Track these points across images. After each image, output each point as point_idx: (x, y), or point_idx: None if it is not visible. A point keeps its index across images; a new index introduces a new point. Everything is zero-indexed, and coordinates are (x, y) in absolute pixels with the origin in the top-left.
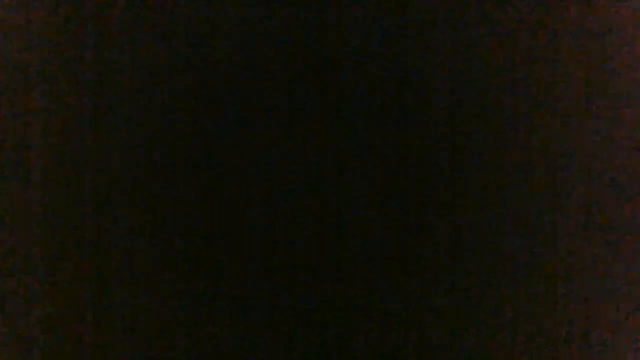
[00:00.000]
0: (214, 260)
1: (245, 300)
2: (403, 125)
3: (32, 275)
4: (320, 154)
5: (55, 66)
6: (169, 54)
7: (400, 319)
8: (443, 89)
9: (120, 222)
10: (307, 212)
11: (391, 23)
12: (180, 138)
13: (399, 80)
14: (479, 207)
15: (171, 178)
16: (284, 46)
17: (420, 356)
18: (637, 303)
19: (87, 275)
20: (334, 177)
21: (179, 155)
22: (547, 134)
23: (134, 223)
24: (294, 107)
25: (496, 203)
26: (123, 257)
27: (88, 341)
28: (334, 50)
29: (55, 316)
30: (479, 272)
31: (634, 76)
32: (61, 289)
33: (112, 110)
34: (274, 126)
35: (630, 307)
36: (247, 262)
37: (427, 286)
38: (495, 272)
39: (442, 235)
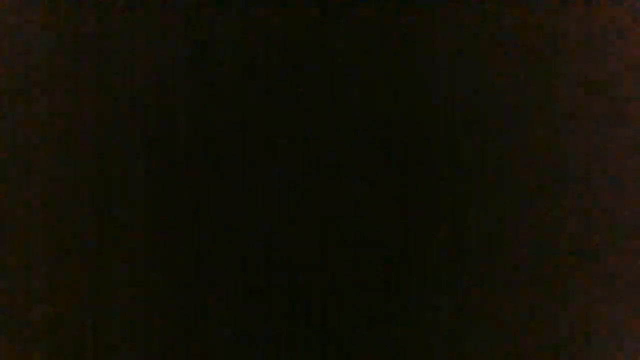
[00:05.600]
0: (214, 260)
1: (245, 300)
2: (403, 126)
3: (32, 275)
4: (320, 154)
5: (55, 66)
6: (169, 54)
7: (400, 319)
8: (443, 89)
9: (120, 222)
10: (307, 212)
11: (391, 23)
12: (180, 138)
13: (399, 80)
14: (479, 207)
15: (171, 178)
16: (284, 47)
17: (420, 356)
18: (637, 303)
19: (87, 275)
20: (334, 177)
21: (179, 155)
22: (547, 133)
23: (134, 223)
24: (294, 107)
25: (496, 203)
26: (123, 257)
27: (88, 341)
28: (333, 50)
29: (55, 316)
30: (479, 272)
31: (634, 76)
32: (61, 289)
33: (112, 110)
34: (274, 126)
35: (630, 307)
36: (247, 262)
37: (427, 286)
38: (495, 272)
39: (443, 235)
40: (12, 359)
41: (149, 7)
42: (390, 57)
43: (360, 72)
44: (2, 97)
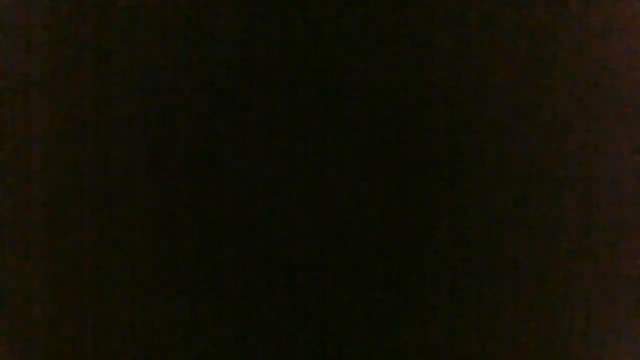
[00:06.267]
0: (214, 260)
1: (246, 300)
2: (403, 126)
3: (32, 275)
4: (320, 154)
5: (55, 66)
6: (169, 54)
7: (400, 319)
8: (443, 89)
9: (120, 222)
10: (307, 212)
11: (391, 23)
12: (181, 138)
13: (399, 80)
14: (479, 207)
15: (171, 178)
16: (284, 46)
17: (420, 356)
18: (637, 303)
19: (87, 275)
20: (334, 177)
21: (179, 155)
22: (547, 133)
23: (134, 223)
24: (294, 107)
25: (496, 203)
26: (123, 257)
27: (88, 341)
28: (333, 50)
29: (55, 316)
30: (479, 272)
31: (634, 76)
32: (61, 289)
33: (111, 111)
34: (274, 126)
35: (630, 307)
36: (247, 262)
37: (427, 286)
38: (495, 272)
39: (443, 235)
40: (12, 359)
41: (149, 7)
42: (389, 56)
43: (360, 72)
44: (2, 96)
